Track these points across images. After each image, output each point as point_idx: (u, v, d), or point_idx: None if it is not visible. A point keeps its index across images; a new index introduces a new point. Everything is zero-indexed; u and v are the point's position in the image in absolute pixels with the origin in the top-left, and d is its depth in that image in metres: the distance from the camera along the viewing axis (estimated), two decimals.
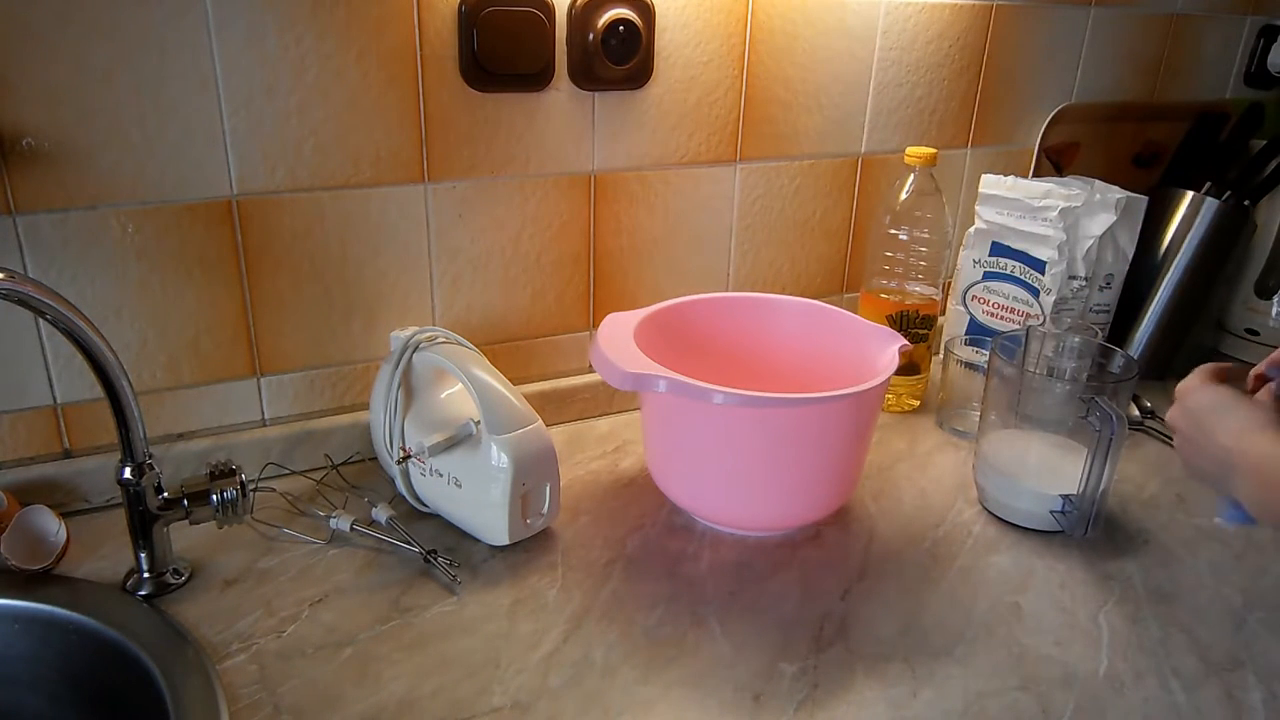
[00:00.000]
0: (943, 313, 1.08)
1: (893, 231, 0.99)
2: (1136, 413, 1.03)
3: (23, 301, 0.59)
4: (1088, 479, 0.77)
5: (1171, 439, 0.78)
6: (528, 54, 0.84)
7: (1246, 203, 1.10)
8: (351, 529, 0.77)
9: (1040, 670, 0.66)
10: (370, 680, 0.63)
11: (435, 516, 0.80)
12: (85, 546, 0.74)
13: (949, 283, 1.08)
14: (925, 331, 1.00)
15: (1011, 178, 1.02)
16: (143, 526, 0.69)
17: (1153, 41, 1.21)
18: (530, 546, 0.77)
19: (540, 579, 0.74)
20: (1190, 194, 1.09)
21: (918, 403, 1.05)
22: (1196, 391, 0.66)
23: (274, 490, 0.83)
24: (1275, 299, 1.17)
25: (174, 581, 0.71)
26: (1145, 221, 1.04)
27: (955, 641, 0.69)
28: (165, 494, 0.69)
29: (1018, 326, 1.01)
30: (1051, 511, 0.81)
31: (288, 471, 0.86)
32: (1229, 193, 1.09)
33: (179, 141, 0.75)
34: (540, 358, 0.98)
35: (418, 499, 0.80)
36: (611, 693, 0.63)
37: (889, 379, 0.77)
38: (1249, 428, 0.62)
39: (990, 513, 0.85)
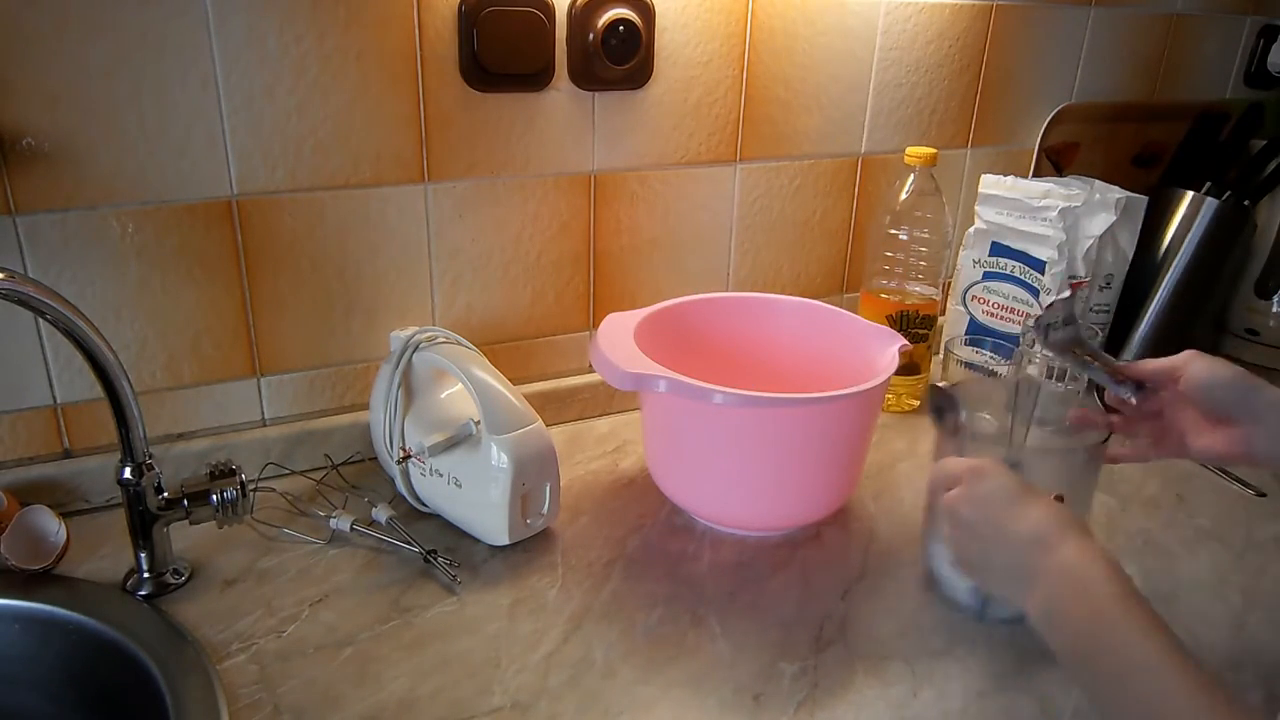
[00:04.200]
0: (943, 313, 1.08)
1: (893, 231, 0.99)
2: None
3: (23, 301, 0.59)
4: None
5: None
6: (528, 54, 0.84)
7: (1246, 203, 1.10)
8: (351, 529, 0.77)
9: (1040, 670, 0.66)
10: (370, 680, 0.63)
11: (435, 516, 0.80)
12: (85, 546, 0.74)
13: (949, 283, 1.08)
14: (925, 331, 1.00)
15: (1011, 178, 1.02)
16: (143, 526, 0.69)
17: (1153, 41, 1.21)
18: (530, 546, 0.77)
19: (540, 579, 0.74)
20: (1190, 194, 1.09)
21: (918, 403, 1.05)
22: (991, 477, 0.58)
23: (274, 490, 0.83)
24: (1275, 299, 1.17)
25: (174, 581, 0.71)
26: (1145, 221, 1.04)
27: (955, 641, 0.69)
28: (165, 494, 0.69)
29: (1018, 326, 1.01)
30: None
31: (288, 471, 0.86)
32: (1229, 193, 1.09)
33: (179, 141, 0.75)
34: (540, 358, 0.98)
35: (418, 499, 0.80)
36: (611, 693, 0.63)
37: (889, 379, 0.77)
38: (1053, 528, 0.55)
39: None
